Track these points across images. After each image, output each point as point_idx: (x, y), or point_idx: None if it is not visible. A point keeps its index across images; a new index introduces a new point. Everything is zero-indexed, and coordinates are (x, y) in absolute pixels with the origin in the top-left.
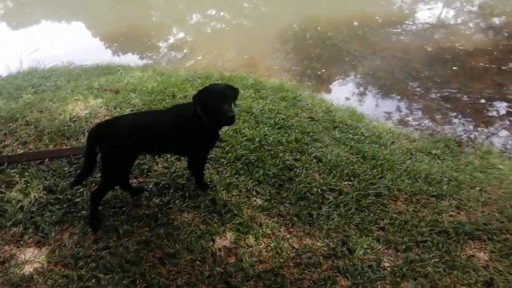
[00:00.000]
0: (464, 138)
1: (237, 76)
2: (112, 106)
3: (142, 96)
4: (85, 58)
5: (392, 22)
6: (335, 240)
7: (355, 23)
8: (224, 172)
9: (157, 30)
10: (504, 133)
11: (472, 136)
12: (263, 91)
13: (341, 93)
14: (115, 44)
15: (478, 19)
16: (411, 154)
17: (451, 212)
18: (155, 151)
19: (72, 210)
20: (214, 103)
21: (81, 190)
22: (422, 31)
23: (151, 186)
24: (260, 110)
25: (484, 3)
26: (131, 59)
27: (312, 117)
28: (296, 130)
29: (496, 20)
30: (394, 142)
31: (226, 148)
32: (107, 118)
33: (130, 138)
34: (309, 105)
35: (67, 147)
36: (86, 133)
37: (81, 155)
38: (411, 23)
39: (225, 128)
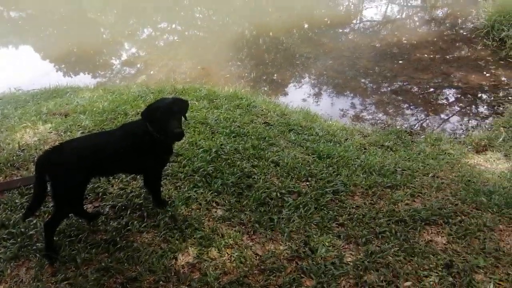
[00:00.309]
0: (417, 128)
1: (190, 88)
2: (62, 131)
3: (93, 117)
4: (35, 82)
5: (340, 23)
6: (297, 241)
7: (305, 26)
8: (182, 186)
9: (108, 47)
10: (454, 119)
11: (424, 125)
12: (217, 101)
13: (297, 95)
14: (65, 65)
15: (421, 12)
16: (365, 148)
17: (406, 201)
18: (108, 173)
19: (26, 243)
20: (161, 119)
21: (35, 221)
22: (370, 29)
23: (107, 209)
24: (215, 120)
25: None
26: (82, 79)
27: (267, 122)
28: (252, 137)
29: (439, 12)
30: (348, 138)
31: (183, 162)
32: (57, 143)
33: (81, 162)
34: (263, 110)
35: (17, 177)
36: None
37: (32, 185)
38: (358, 22)
39: (180, 142)
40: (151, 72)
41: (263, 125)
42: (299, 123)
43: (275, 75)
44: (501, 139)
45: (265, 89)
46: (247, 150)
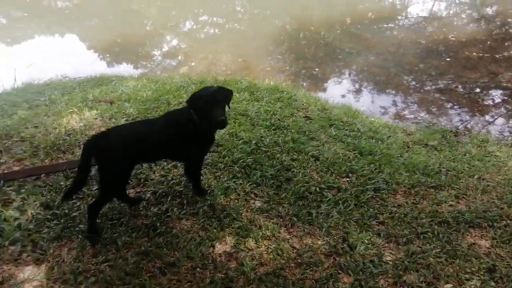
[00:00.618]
0: (461, 128)
1: (231, 80)
2: (107, 117)
3: (137, 105)
4: (80, 71)
5: (384, 18)
6: (335, 237)
7: (348, 21)
8: (221, 176)
9: (151, 39)
10: (500, 120)
11: (469, 125)
12: (258, 93)
13: (337, 91)
14: (109, 55)
15: (470, 9)
16: (408, 147)
17: (450, 202)
18: (152, 159)
19: (69, 225)
20: (205, 108)
21: (78, 204)
22: (415, 25)
23: (148, 195)
24: (256, 112)
25: None
26: (125, 69)
27: (308, 116)
28: (292, 130)
29: (489, 10)
30: (390, 136)
31: (223, 152)
32: (102, 129)
33: (126, 149)
34: (304, 104)
35: (63, 161)
36: (82, 145)
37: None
38: (403, 17)
39: (221, 132)
40: (192, 64)
41: (304, 119)
42: (340, 119)
43: (316, 69)
44: None
45: (305, 83)
46: (287, 143)
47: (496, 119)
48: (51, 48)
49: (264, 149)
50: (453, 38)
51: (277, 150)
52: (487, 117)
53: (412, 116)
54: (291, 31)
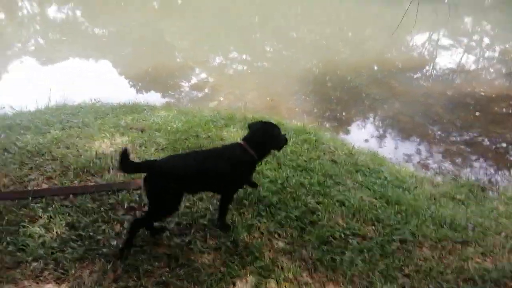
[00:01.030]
0: (487, 183)
1: (259, 118)
2: (137, 144)
3: (167, 135)
4: (111, 96)
5: (412, 68)
6: (359, 286)
7: (375, 68)
8: (246, 213)
9: (181, 71)
10: None
11: (493, 180)
12: (285, 134)
13: (361, 135)
14: (140, 83)
15: (499, 64)
16: (435, 199)
17: (477, 259)
18: (197, 190)
19: (93, 247)
20: (274, 134)
21: (103, 227)
22: (443, 76)
23: (172, 225)
24: (283, 152)
25: (505, 49)
26: (155, 97)
27: (334, 160)
28: (319, 173)
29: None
30: (417, 186)
31: (248, 190)
32: (131, 155)
33: (182, 178)
34: (331, 148)
35: (92, 183)
36: (111, 170)
37: (105, 192)
38: (431, 68)
39: None
40: (221, 99)
41: (330, 163)
42: (366, 165)
43: (341, 113)
44: None
45: (330, 126)
46: (313, 186)
47: None
48: (86, 71)
49: (290, 189)
50: (481, 93)
51: (303, 192)
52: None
53: (436, 165)
54: (317, 74)
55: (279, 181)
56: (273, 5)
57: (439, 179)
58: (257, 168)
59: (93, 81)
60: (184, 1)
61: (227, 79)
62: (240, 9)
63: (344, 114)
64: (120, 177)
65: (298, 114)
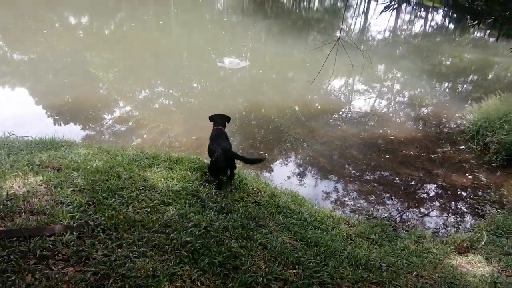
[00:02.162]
0: (397, 221)
1: (185, 158)
2: (52, 185)
3: (86, 175)
4: (27, 128)
5: (330, 110)
6: None
7: (297, 108)
8: (168, 260)
9: (104, 103)
10: (436, 215)
11: (404, 217)
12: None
13: (283, 174)
14: (59, 115)
15: (408, 109)
16: (351, 239)
17: None
18: None
19: None
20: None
21: (13, 278)
22: (358, 119)
23: (88, 275)
24: (207, 194)
25: (413, 95)
26: (75, 130)
27: (257, 202)
28: (242, 216)
29: (426, 111)
30: (335, 227)
31: (171, 234)
32: (46, 197)
33: None
34: (254, 189)
35: (1, 228)
36: (23, 213)
37: (15, 239)
38: (347, 111)
39: (170, 212)
40: (145, 135)
41: (254, 205)
42: (288, 206)
43: (264, 151)
44: (483, 242)
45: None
46: (236, 229)
47: (430, 214)
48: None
49: (214, 233)
50: (392, 136)
51: (226, 236)
52: (423, 212)
53: (352, 203)
54: (243, 112)
55: (203, 225)
56: (203, 42)
57: (354, 219)
58: (180, 211)
59: (8, 111)
60: (111, 32)
61: (152, 114)
62: (168, 43)
63: (267, 153)
64: (33, 221)
65: None
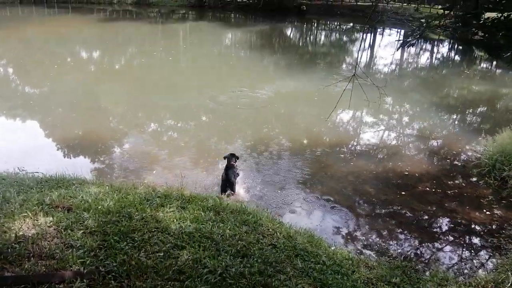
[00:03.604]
0: (419, 259)
1: (198, 196)
2: (62, 227)
3: (97, 216)
4: (38, 161)
5: (341, 144)
6: None
7: (307, 143)
8: None
9: (113, 137)
10: (454, 251)
11: (423, 255)
12: (224, 214)
13: (297, 212)
14: (68, 148)
15: (419, 142)
16: (372, 284)
17: None
18: None
19: None
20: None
21: None
22: (370, 153)
23: None
24: (221, 236)
25: (423, 127)
26: (85, 165)
27: (273, 244)
28: (259, 260)
29: (439, 145)
30: (355, 271)
31: (186, 282)
32: (55, 240)
33: None
34: (270, 230)
35: (9, 274)
36: (32, 258)
37: (23, 285)
38: (357, 145)
39: (184, 257)
40: (154, 172)
41: (270, 247)
42: (305, 248)
43: (278, 190)
44: (509, 284)
45: (263, 204)
46: (254, 276)
47: (444, 246)
48: (9, 132)
49: (230, 280)
50: (406, 172)
51: (243, 283)
52: (441, 248)
53: (369, 242)
54: (252, 148)
55: (219, 271)
56: (210, 77)
57: (374, 259)
58: (194, 255)
59: (18, 144)
60: (122, 66)
61: (163, 148)
62: (177, 78)
63: (279, 190)
64: (42, 267)
65: (237, 191)
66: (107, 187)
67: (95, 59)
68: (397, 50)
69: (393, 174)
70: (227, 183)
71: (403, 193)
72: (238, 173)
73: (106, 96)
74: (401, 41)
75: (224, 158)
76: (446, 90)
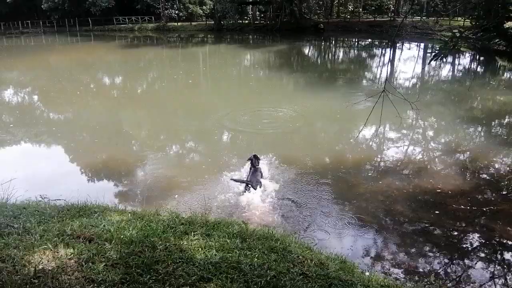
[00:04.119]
0: (451, 277)
1: (222, 222)
2: (83, 259)
3: (119, 247)
4: (61, 188)
5: (367, 162)
6: None
7: (332, 161)
8: None
9: (135, 161)
10: (498, 276)
11: (462, 279)
12: (250, 240)
13: (326, 236)
14: (90, 172)
15: (450, 157)
16: None
17: None
18: None
19: None
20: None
21: None
22: (398, 171)
23: None
24: (249, 265)
25: (453, 141)
26: (106, 187)
27: (305, 273)
28: None
29: (468, 158)
30: None
31: None
32: (76, 274)
33: None
34: (300, 257)
35: None
36: None
37: None
38: (385, 162)
39: None
40: (176, 196)
41: (301, 277)
42: (338, 276)
43: (303, 213)
44: None
45: (290, 227)
46: None
47: (493, 274)
48: (34, 159)
49: None
50: (438, 190)
51: None
52: (483, 271)
53: (405, 265)
54: (276, 165)
55: None
56: (234, 98)
57: (411, 284)
58: None
59: (41, 172)
60: (143, 90)
61: (185, 172)
62: (198, 99)
63: (304, 211)
64: None
65: (263, 214)
66: (129, 214)
67: (117, 84)
68: (429, 64)
69: (424, 191)
70: (252, 184)
71: (436, 212)
72: (261, 173)
73: (128, 121)
74: (435, 53)
75: (248, 160)
76: (470, 101)
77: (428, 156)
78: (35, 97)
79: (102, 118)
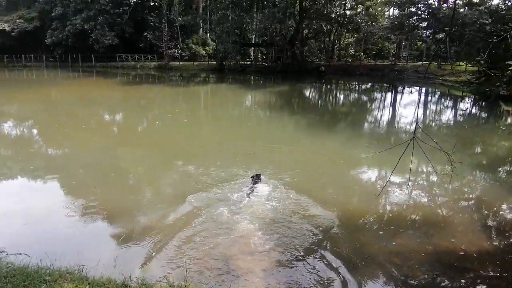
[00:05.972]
0: None
1: None
2: None
3: None
4: (24, 237)
5: (378, 219)
6: None
7: (338, 217)
8: None
9: (135, 205)
10: None
11: None
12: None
13: None
14: (88, 213)
15: (469, 212)
16: None
17: None
18: None
19: None
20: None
21: None
22: (414, 230)
23: None
24: None
25: (478, 198)
26: (101, 225)
27: None
28: None
29: (489, 213)
30: None
31: None
32: None
33: None
34: None
35: None
36: None
37: None
38: (395, 217)
39: None
40: (152, 258)
41: None
42: None
43: (310, 278)
44: None
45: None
46: None
47: None
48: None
49: None
50: (462, 252)
51: None
52: None
53: None
54: (275, 224)
55: None
56: (232, 139)
57: None
58: None
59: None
60: (143, 128)
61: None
62: (196, 139)
63: (310, 278)
64: None
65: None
66: (88, 285)
67: (117, 121)
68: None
69: (446, 254)
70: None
71: (462, 280)
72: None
73: (124, 160)
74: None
75: (251, 177)
76: (478, 147)
77: (442, 210)
78: (34, 131)
79: (101, 155)
